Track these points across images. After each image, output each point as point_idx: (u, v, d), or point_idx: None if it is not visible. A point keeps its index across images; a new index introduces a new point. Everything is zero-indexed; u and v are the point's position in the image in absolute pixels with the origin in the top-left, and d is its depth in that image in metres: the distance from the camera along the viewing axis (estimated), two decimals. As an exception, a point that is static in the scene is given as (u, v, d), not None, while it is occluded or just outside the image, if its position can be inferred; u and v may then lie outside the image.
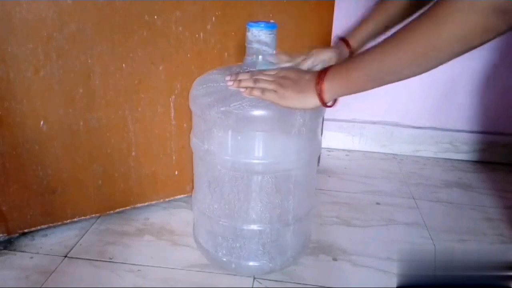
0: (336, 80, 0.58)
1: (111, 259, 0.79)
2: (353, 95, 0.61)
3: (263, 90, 0.62)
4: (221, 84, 0.66)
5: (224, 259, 0.74)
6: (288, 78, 0.62)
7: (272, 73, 0.64)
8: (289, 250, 0.75)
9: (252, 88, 0.63)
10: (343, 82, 0.58)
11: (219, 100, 0.64)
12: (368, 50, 0.55)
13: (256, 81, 0.63)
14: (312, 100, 0.60)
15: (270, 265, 0.74)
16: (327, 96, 0.59)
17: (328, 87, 0.58)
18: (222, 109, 0.63)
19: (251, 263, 0.73)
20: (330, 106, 0.62)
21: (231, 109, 0.62)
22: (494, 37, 0.44)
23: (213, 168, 0.69)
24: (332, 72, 0.58)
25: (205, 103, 0.65)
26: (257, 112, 0.62)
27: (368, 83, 0.56)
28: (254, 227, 0.70)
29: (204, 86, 0.68)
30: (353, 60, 0.57)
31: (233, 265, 0.74)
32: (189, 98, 0.71)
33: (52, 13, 0.69)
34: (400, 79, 0.53)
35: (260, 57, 0.67)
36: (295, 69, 0.68)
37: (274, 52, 0.68)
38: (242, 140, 0.65)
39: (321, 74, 0.59)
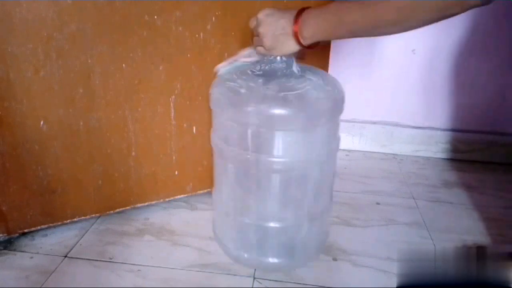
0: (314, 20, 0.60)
1: (111, 259, 0.79)
2: (353, 95, 0.61)
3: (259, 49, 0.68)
4: (245, 83, 0.67)
5: (246, 256, 0.74)
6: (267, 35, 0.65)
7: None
8: (311, 246, 0.76)
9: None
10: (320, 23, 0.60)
11: (245, 99, 0.65)
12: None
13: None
14: (292, 44, 0.64)
15: (293, 262, 0.75)
16: (304, 39, 0.62)
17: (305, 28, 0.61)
18: (249, 109, 0.64)
19: (274, 260, 0.74)
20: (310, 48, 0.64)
21: (257, 109, 0.63)
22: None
23: (238, 167, 0.70)
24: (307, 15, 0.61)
25: (231, 103, 0.66)
26: (281, 111, 0.63)
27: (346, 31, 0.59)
28: (279, 224, 0.71)
29: (227, 86, 0.68)
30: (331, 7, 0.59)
31: (255, 262, 0.74)
32: (210, 98, 0.71)
33: (52, 13, 0.69)
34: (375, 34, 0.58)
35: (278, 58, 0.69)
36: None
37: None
38: (266, 138, 0.66)
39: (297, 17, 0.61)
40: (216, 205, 0.79)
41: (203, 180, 0.95)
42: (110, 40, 0.74)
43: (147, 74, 0.80)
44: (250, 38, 0.71)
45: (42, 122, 0.75)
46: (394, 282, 0.73)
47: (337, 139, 0.74)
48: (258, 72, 0.70)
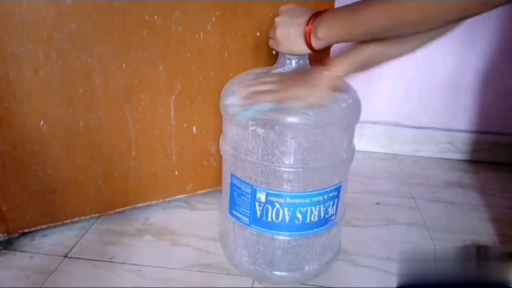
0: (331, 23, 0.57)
1: (111, 259, 0.79)
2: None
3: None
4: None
5: (253, 267, 0.73)
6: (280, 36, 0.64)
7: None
8: (324, 258, 0.75)
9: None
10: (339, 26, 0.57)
11: (258, 107, 0.63)
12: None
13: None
14: (301, 45, 0.61)
15: (303, 275, 0.73)
16: (317, 41, 0.59)
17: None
18: (261, 116, 0.63)
19: (281, 273, 0.72)
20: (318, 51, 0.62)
21: (268, 117, 0.62)
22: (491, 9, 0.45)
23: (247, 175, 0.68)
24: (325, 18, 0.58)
25: (243, 111, 0.64)
26: (294, 120, 0.62)
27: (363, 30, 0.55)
28: (288, 237, 0.70)
29: (241, 93, 0.66)
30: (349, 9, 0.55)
31: (261, 274, 0.73)
32: (221, 104, 0.70)
33: (52, 13, 0.69)
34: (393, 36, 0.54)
35: (293, 61, 0.68)
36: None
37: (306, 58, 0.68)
38: (278, 147, 0.64)
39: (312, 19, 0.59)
40: (223, 214, 0.77)
41: (203, 180, 0.95)
42: (110, 40, 0.74)
43: (147, 74, 0.80)
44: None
45: (42, 122, 0.75)
46: (394, 282, 0.73)
47: (352, 149, 0.72)
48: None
